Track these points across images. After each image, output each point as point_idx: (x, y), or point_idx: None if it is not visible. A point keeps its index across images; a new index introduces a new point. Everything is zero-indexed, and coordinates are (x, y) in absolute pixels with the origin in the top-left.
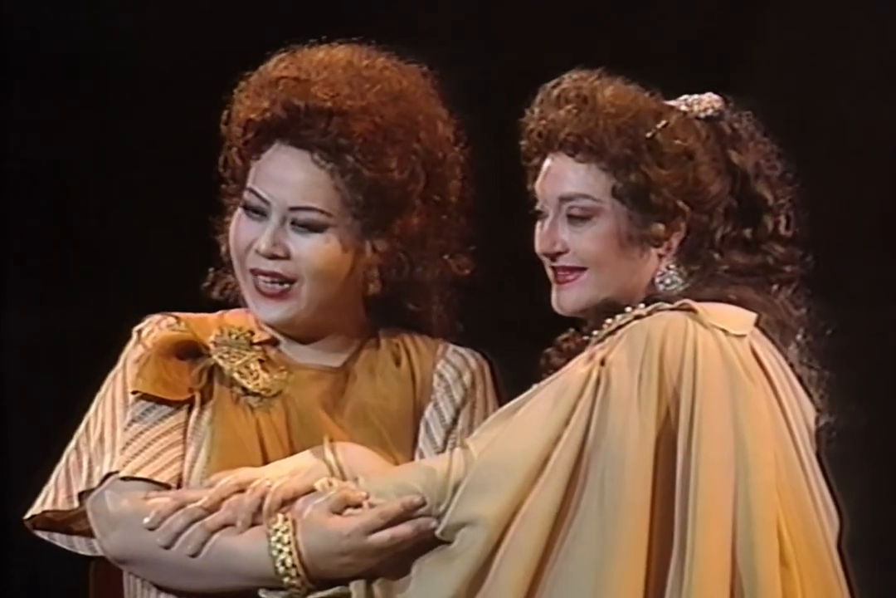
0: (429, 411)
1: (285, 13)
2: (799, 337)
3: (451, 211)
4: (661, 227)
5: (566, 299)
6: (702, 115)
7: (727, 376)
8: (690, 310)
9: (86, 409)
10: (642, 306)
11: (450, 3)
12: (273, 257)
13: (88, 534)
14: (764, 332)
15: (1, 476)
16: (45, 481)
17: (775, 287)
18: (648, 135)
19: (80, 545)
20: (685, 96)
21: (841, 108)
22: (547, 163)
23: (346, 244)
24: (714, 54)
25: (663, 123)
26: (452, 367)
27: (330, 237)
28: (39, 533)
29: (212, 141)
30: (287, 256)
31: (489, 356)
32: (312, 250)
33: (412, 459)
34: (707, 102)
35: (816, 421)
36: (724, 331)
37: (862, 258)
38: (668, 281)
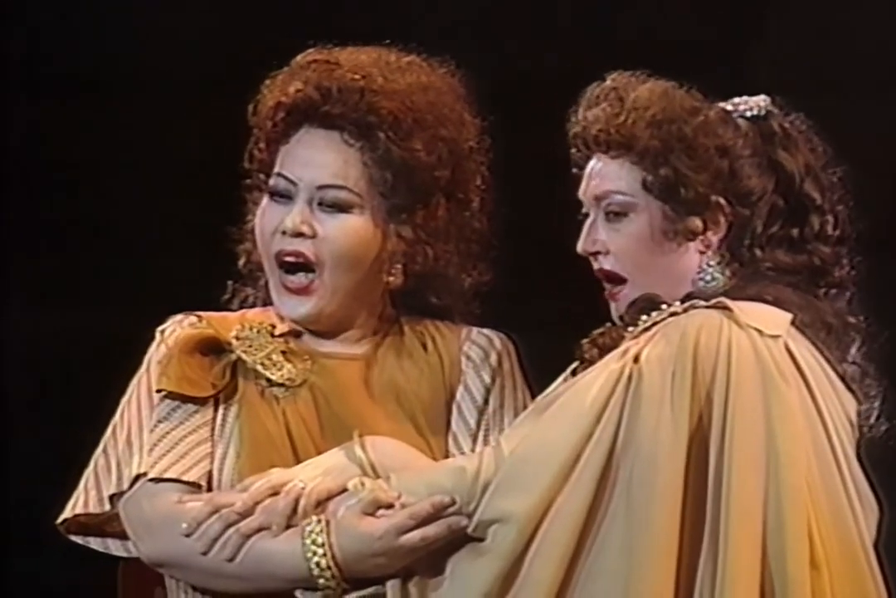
0: (460, 394)
1: (291, 17)
2: (856, 346)
3: (474, 211)
4: (696, 221)
5: (621, 311)
6: (747, 114)
7: (760, 376)
8: (726, 308)
9: (89, 410)
10: (678, 303)
11: (450, 5)
12: (299, 235)
13: (122, 536)
14: (802, 332)
15: (2, 478)
16: (46, 482)
17: (823, 291)
18: (677, 128)
19: (114, 547)
20: (735, 98)
21: (844, 108)
22: (588, 166)
23: (372, 226)
24: (716, 55)
25: (700, 118)
26: (479, 347)
27: (356, 218)
28: (73, 537)
29: (224, 143)
30: (313, 235)
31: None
32: (339, 230)
33: (446, 442)
34: (754, 102)
35: (859, 414)
36: (759, 331)
37: (863, 260)
38: (707, 278)
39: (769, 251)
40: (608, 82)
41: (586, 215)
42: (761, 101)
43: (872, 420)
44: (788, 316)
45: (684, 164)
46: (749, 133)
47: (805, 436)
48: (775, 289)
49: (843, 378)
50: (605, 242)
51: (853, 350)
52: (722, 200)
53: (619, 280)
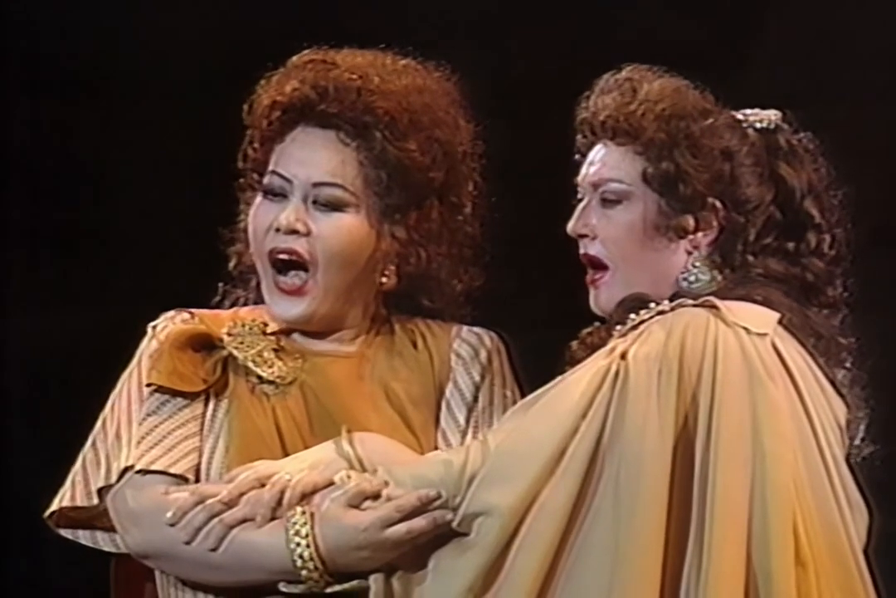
0: (449, 391)
1: (288, 19)
2: (847, 365)
3: (466, 216)
4: (689, 219)
5: (599, 299)
6: (756, 125)
7: (747, 374)
8: (713, 307)
9: (88, 409)
10: (667, 302)
11: (449, 7)
12: (293, 232)
13: (112, 530)
14: (791, 332)
15: (2, 477)
16: (45, 481)
17: (815, 311)
18: (685, 125)
19: (104, 542)
20: (747, 109)
21: (844, 107)
22: (591, 153)
23: (367, 226)
24: (716, 55)
25: (709, 120)
26: (469, 345)
27: (351, 217)
28: (63, 531)
29: (225, 143)
30: (308, 233)
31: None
32: (333, 229)
33: (435, 439)
34: (765, 115)
35: (848, 421)
36: (746, 329)
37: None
38: (692, 279)
39: (762, 259)
40: (623, 73)
41: (579, 200)
42: (772, 114)
43: (857, 441)
44: (776, 315)
45: (687, 160)
46: (755, 143)
47: (792, 434)
48: (765, 290)
49: (832, 382)
50: (594, 227)
51: (842, 371)
52: (718, 203)
53: (601, 267)
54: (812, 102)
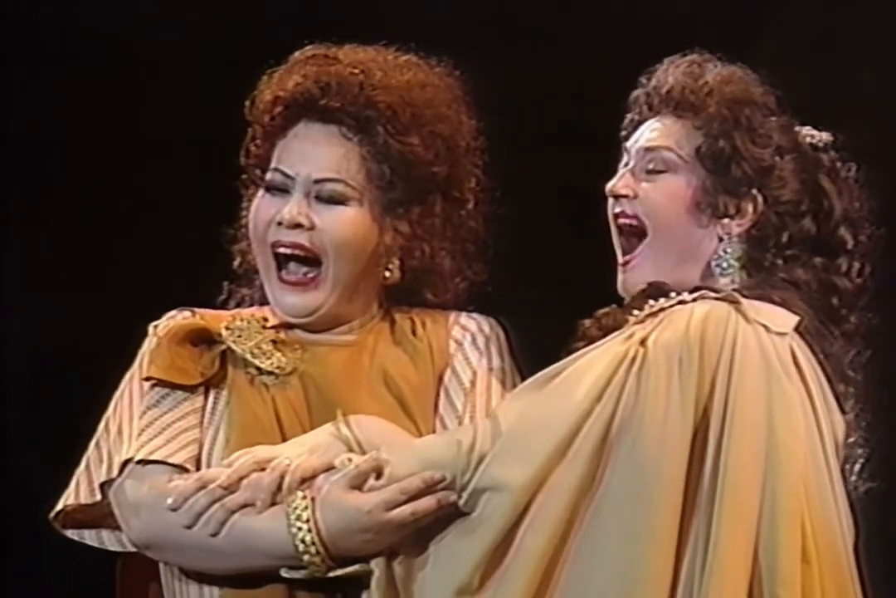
0: (447, 377)
1: (302, 11)
2: (851, 401)
3: (469, 211)
4: (729, 201)
5: (628, 281)
6: (808, 139)
7: (764, 369)
8: (735, 302)
9: (88, 406)
10: (687, 294)
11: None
12: (297, 226)
13: (117, 528)
14: (805, 340)
15: (2, 476)
16: (46, 478)
17: (837, 335)
18: (749, 111)
19: (109, 542)
20: (801, 127)
21: (845, 108)
22: (644, 125)
23: (370, 219)
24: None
25: (772, 117)
26: (467, 332)
27: (354, 210)
28: (69, 532)
29: (226, 141)
30: (311, 227)
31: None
32: (338, 222)
33: (434, 425)
34: (818, 134)
35: (846, 437)
36: (766, 327)
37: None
38: (724, 265)
39: (790, 265)
40: (691, 56)
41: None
42: (825, 135)
43: (854, 477)
44: (796, 318)
45: (744, 143)
46: (806, 152)
47: (803, 432)
48: (784, 293)
49: (837, 397)
50: (636, 190)
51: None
52: (759, 196)
53: (636, 225)
54: (811, 102)
